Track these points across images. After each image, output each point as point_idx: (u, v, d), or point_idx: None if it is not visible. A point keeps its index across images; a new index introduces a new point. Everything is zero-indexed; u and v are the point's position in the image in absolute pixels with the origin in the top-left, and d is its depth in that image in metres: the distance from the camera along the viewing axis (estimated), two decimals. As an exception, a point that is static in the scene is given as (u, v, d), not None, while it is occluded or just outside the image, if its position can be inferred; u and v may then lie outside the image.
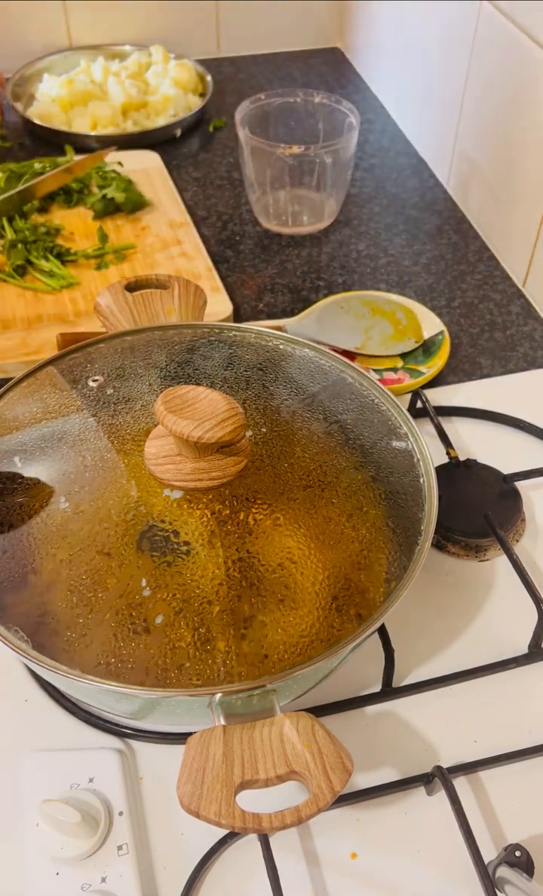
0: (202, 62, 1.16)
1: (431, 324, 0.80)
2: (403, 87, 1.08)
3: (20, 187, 0.88)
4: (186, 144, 1.06)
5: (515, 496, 0.65)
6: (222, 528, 0.47)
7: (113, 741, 0.53)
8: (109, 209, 0.91)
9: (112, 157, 1.00)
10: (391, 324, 0.80)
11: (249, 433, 0.51)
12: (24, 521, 0.48)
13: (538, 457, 0.70)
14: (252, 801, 0.42)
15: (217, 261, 0.89)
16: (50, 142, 1.04)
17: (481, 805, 0.51)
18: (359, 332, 0.79)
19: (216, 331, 0.59)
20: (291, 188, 0.90)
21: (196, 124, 1.09)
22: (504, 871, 0.45)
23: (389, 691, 0.56)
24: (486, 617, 0.60)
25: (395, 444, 0.53)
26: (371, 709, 0.56)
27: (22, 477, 0.50)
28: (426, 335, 0.79)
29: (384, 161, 1.04)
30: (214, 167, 1.03)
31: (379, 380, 0.65)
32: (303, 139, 0.92)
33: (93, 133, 1.02)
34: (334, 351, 0.67)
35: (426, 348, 0.78)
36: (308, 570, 0.46)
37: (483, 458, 0.67)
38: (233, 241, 0.92)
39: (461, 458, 0.67)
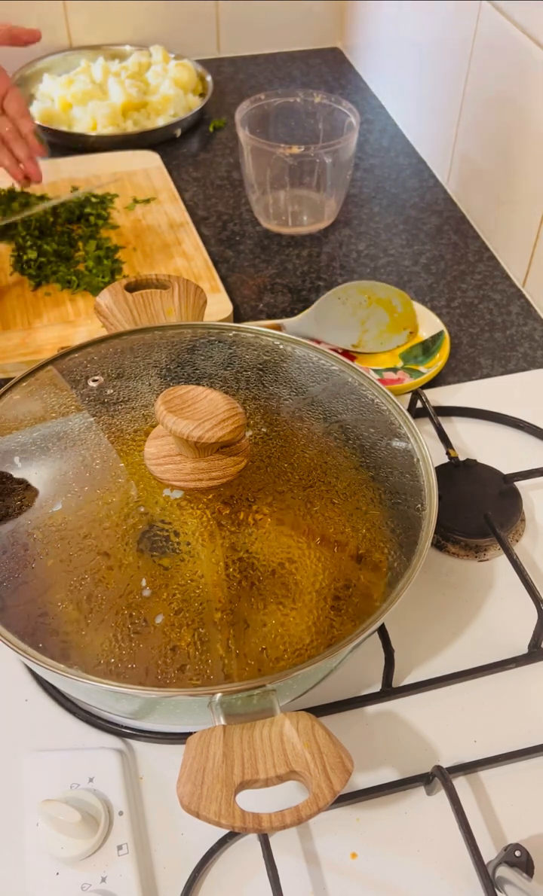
0: (202, 62, 1.16)
1: (431, 324, 0.80)
2: (403, 87, 1.08)
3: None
4: (186, 144, 1.07)
5: (515, 496, 0.65)
6: (222, 528, 0.47)
7: (113, 741, 0.53)
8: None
9: (111, 159, 1.00)
10: (386, 312, 0.80)
11: (249, 433, 0.51)
12: (24, 521, 0.48)
13: (538, 457, 0.70)
14: (252, 801, 0.42)
15: (217, 261, 0.89)
16: (50, 142, 1.04)
17: (481, 805, 0.51)
18: (356, 324, 0.79)
19: (216, 331, 0.59)
20: (291, 188, 0.90)
21: (196, 124, 1.09)
22: (504, 871, 0.45)
23: (389, 691, 0.56)
24: (486, 617, 0.60)
25: (395, 444, 0.53)
26: (371, 709, 0.56)
27: (22, 477, 0.50)
28: (426, 335, 0.79)
29: (384, 161, 1.04)
30: (214, 167, 1.03)
31: (379, 380, 0.65)
32: (303, 139, 0.92)
33: (93, 133, 1.02)
34: (334, 351, 0.67)
35: (426, 348, 0.78)
36: (308, 570, 0.46)
37: (483, 458, 0.67)
38: (233, 241, 0.92)
39: (461, 458, 0.67)
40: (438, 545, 0.64)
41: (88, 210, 0.91)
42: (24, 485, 0.49)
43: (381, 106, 1.14)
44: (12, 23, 1.10)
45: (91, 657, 0.43)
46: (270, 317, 0.83)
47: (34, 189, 0.94)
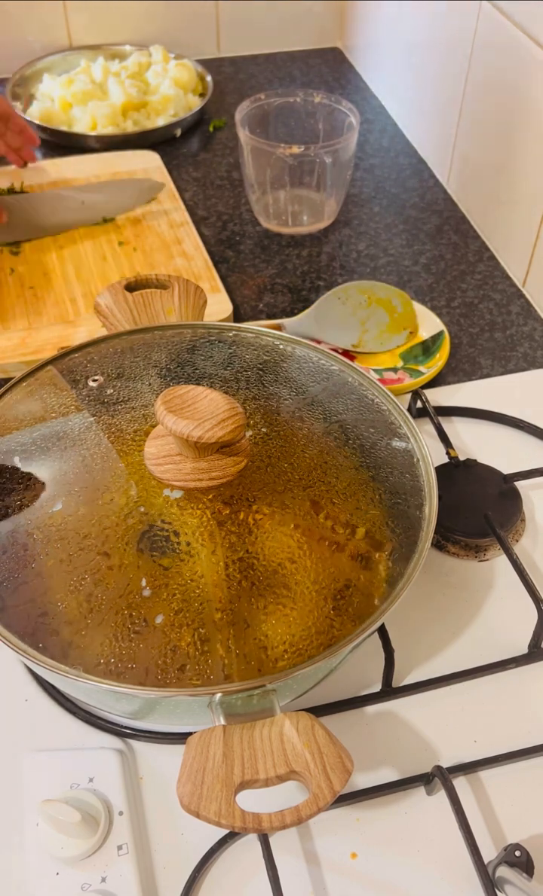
0: (202, 62, 1.16)
1: (431, 324, 0.80)
2: (403, 87, 1.08)
3: None
4: (186, 144, 1.06)
5: (515, 496, 0.65)
6: (222, 528, 0.47)
7: (113, 741, 0.53)
8: None
9: (112, 159, 1.00)
10: (386, 312, 0.80)
11: (249, 433, 0.51)
12: (24, 521, 0.48)
13: (538, 457, 0.70)
14: (252, 801, 0.42)
15: (217, 261, 0.89)
16: (50, 142, 1.04)
17: (481, 805, 0.51)
18: (356, 324, 0.79)
19: (216, 331, 0.59)
20: (291, 188, 0.90)
21: (196, 124, 1.09)
22: (504, 871, 0.45)
23: (389, 691, 0.56)
24: (486, 617, 0.60)
25: (395, 444, 0.53)
26: (371, 709, 0.56)
27: (22, 477, 0.50)
28: (426, 335, 0.79)
29: (384, 161, 1.04)
30: (214, 167, 1.03)
31: (379, 380, 0.65)
32: (303, 139, 0.92)
33: (93, 133, 1.02)
34: (334, 351, 0.67)
35: (426, 348, 0.78)
36: (308, 570, 0.46)
37: (483, 458, 0.67)
38: (233, 241, 0.92)
39: (461, 458, 0.67)
40: (438, 545, 0.64)
41: None
42: (24, 485, 0.49)
43: (381, 106, 1.14)
44: (13, 24, 1.11)
45: (91, 657, 0.43)
46: (270, 317, 0.83)
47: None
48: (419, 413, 0.71)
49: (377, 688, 0.56)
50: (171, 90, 1.06)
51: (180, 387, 0.47)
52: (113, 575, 0.45)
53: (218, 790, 0.39)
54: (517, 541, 0.65)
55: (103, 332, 0.60)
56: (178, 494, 0.47)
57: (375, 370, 0.77)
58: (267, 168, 0.88)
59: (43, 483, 0.49)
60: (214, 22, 1.19)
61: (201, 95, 1.11)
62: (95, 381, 0.55)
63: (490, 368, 0.79)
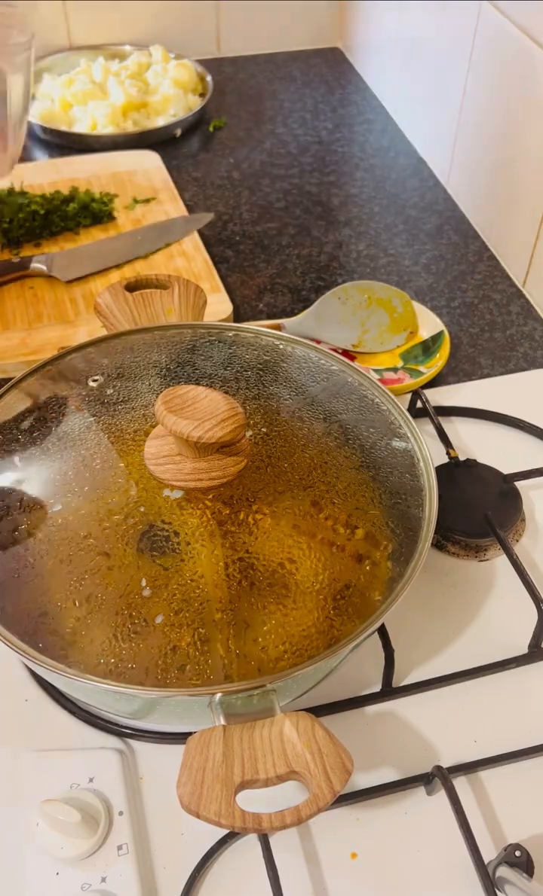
0: (202, 62, 1.16)
1: (431, 324, 0.80)
2: (403, 87, 1.08)
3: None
4: (186, 144, 1.07)
5: (515, 496, 0.65)
6: (222, 528, 0.47)
7: (113, 741, 0.53)
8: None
9: (112, 159, 1.00)
10: (387, 313, 0.80)
11: (249, 433, 0.51)
12: (24, 521, 0.48)
13: (538, 457, 0.70)
14: (252, 801, 0.42)
15: (217, 261, 0.89)
16: (50, 142, 1.04)
17: (481, 805, 0.51)
18: (356, 324, 0.79)
19: (216, 331, 0.59)
20: None
21: (196, 124, 1.09)
22: (504, 871, 0.45)
23: (389, 691, 0.56)
24: (486, 617, 0.60)
25: (395, 444, 0.53)
26: (371, 709, 0.56)
27: (22, 477, 0.50)
28: (426, 335, 0.79)
29: (384, 161, 1.04)
30: (214, 167, 1.03)
31: (379, 380, 0.65)
32: None
33: (93, 133, 1.02)
34: (334, 351, 0.67)
35: (426, 348, 0.78)
36: (308, 570, 0.46)
37: (483, 458, 0.67)
38: (233, 241, 0.92)
39: (461, 458, 0.67)
40: (438, 545, 0.64)
41: (95, 206, 0.91)
42: (25, 485, 0.49)
43: (381, 106, 1.14)
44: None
45: (91, 657, 0.43)
46: (270, 317, 0.83)
47: (34, 188, 0.94)
48: (419, 413, 0.71)
49: (377, 688, 0.56)
50: (171, 90, 1.06)
51: (180, 387, 0.47)
52: (113, 575, 0.45)
53: (218, 790, 0.39)
54: (517, 541, 0.65)
55: (103, 332, 0.60)
56: (178, 494, 0.47)
57: (375, 370, 0.77)
58: None
59: (43, 483, 0.49)
60: (214, 22, 1.19)
61: (201, 95, 1.11)
62: (95, 381, 0.55)
63: (490, 368, 0.79)
